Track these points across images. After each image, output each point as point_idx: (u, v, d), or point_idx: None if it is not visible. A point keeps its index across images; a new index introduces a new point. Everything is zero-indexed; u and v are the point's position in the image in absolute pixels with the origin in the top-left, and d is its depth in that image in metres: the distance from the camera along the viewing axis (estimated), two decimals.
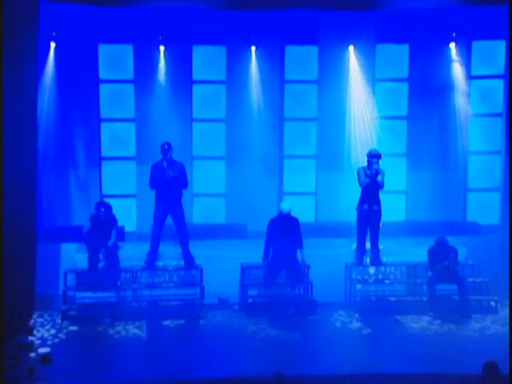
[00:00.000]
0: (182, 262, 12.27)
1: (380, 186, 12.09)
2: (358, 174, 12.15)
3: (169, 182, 11.81)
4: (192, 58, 14.16)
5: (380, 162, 12.08)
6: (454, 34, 13.94)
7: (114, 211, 12.04)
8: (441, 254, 11.79)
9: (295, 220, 12.05)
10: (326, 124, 14.28)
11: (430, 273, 11.81)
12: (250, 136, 14.15)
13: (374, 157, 12.06)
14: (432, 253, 11.89)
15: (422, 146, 14.37)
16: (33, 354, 9.76)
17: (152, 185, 11.97)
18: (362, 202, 12.19)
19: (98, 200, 13.01)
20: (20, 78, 10.62)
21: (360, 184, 12.12)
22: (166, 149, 11.85)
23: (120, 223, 12.37)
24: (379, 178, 12.02)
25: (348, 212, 13.26)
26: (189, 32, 13.74)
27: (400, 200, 14.45)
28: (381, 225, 12.36)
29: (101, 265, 11.82)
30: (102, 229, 11.79)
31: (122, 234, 12.99)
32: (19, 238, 10.67)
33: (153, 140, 13.38)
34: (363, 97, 14.16)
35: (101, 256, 11.79)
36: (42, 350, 9.90)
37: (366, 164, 12.19)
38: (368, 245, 12.39)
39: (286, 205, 12.14)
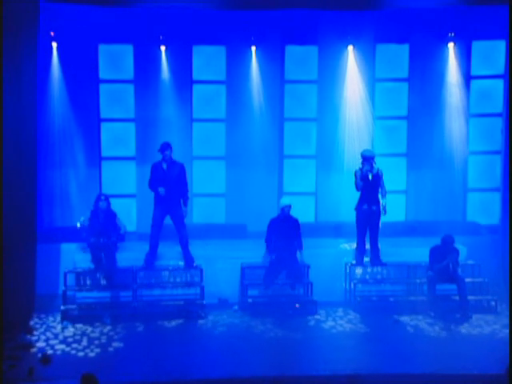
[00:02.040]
0: (182, 262, 12.27)
1: (382, 192, 12.09)
2: (355, 176, 12.16)
3: (168, 183, 11.82)
4: (192, 58, 14.15)
5: (375, 162, 12.08)
6: (453, 34, 13.94)
7: (114, 211, 12.08)
8: (443, 252, 11.75)
9: (295, 220, 12.06)
10: (325, 124, 14.28)
11: (430, 272, 11.79)
12: (249, 136, 14.14)
13: (364, 158, 12.07)
14: (434, 251, 11.85)
15: (422, 146, 14.37)
16: (33, 354, 9.79)
17: (151, 186, 11.97)
18: (361, 202, 12.20)
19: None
20: (20, 78, 10.63)
21: (356, 187, 12.14)
22: (166, 149, 11.86)
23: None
24: (382, 180, 12.03)
25: (348, 212, 13.27)
26: (189, 32, 13.73)
27: (400, 200, 14.44)
28: (380, 225, 12.36)
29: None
30: (103, 223, 11.80)
31: (121, 234, 12.97)
32: (19, 238, 10.68)
33: (153, 140, 13.38)
34: (363, 97, 14.15)
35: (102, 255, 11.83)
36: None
37: (361, 165, 12.23)
38: (368, 245, 12.40)
39: (286, 200, 12.20)
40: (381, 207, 12.14)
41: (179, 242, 12.18)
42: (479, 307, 11.96)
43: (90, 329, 10.97)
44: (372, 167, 12.04)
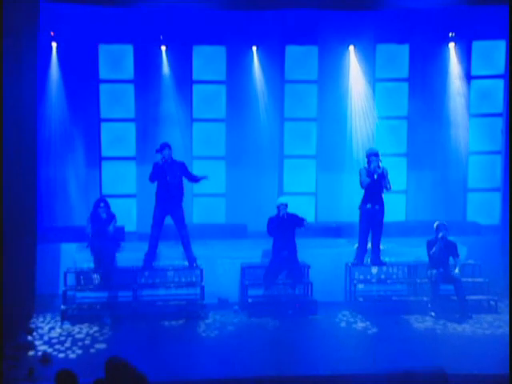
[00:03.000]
0: (183, 262, 12.28)
1: (387, 187, 12.08)
2: (360, 174, 12.17)
3: (168, 183, 11.82)
4: (192, 58, 14.15)
5: (380, 159, 12.09)
6: (453, 34, 13.95)
7: (114, 211, 12.08)
8: (435, 240, 11.80)
9: (294, 218, 12.00)
10: (326, 124, 14.28)
11: (430, 272, 11.77)
12: (250, 136, 14.15)
13: (371, 155, 12.08)
14: (431, 243, 11.84)
15: (423, 146, 14.36)
16: (33, 354, 9.79)
17: (151, 178, 11.94)
18: (364, 201, 12.20)
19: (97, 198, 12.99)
20: (20, 78, 10.62)
21: (361, 184, 12.13)
22: (164, 148, 11.85)
23: (120, 223, 12.38)
24: (387, 183, 12.02)
25: (348, 212, 13.29)
26: (189, 32, 13.73)
27: (400, 200, 14.44)
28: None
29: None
30: (102, 227, 11.81)
31: (122, 234, 12.99)
32: (19, 238, 10.67)
33: (153, 140, 13.38)
34: (363, 97, 14.15)
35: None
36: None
37: (366, 164, 12.24)
38: (369, 244, 12.39)
39: (282, 198, 12.29)
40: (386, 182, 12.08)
41: (181, 242, 12.17)
42: (479, 307, 11.96)
43: (89, 329, 10.97)
44: (378, 165, 12.02)
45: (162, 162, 11.82)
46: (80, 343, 10.34)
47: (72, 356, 9.84)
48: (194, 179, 12.17)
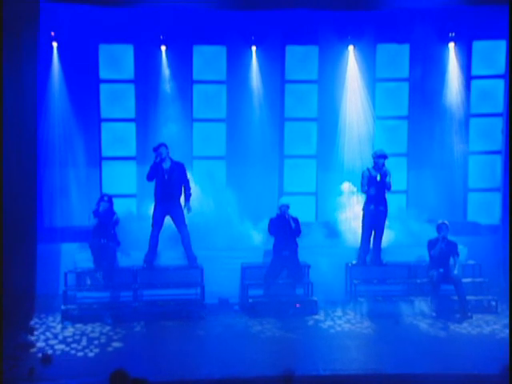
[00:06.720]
0: (183, 262, 12.27)
1: (387, 187, 12.13)
2: (362, 176, 12.22)
3: (168, 183, 11.83)
4: (192, 58, 14.14)
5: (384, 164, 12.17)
6: (454, 34, 13.94)
7: (114, 211, 12.11)
8: (437, 240, 11.80)
9: (294, 219, 12.03)
10: (326, 124, 14.27)
11: (432, 272, 11.77)
12: (250, 136, 14.13)
13: (379, 157, 12.11)
14: (431, 242, 11.85)
15: (423, 146, 14.35)
16: (33, 354, 9.80)
17: (148, 177, 11.95)
18: (368, 202, 12.23)
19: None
20: (21, 78, 10.64)
21: (361, 188, 12.22)
22: (159, 147, 11.87)
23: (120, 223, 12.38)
24: (388, 178, 12.06)
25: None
26: (189, 32, 13.73)
27: (400, 200, 14.42)
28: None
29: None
30: (104, 225, 11.83)
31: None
32: (20, 238, 10.68)
33: (153, 140, 13.34)
34: (363, 97, 14.15)
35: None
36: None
37: (370, 165, 12.28)
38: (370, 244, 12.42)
39: (284, 199, 12.32)
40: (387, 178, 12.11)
41: (181, 241, 12.17)
42: (480, 307, 11.96)
43: (90, 329, 10.97)
44: (385, 169, 12.08)
45: (158, 160, 11.84)
46: (80, 343, 10.36)
47: (72, 356, 9.86)
48: (187, 186, 12.13)
